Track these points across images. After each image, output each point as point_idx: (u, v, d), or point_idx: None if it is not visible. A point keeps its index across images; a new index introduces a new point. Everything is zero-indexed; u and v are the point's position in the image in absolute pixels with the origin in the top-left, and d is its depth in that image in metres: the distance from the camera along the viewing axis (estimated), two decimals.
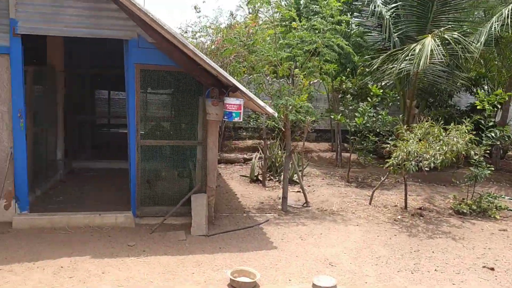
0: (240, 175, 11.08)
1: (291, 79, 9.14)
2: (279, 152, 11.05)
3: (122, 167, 10.59)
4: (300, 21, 8.38)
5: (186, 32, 14.22)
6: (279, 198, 8.81)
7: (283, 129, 8.82)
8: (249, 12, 23.64)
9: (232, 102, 6.25)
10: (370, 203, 8.71)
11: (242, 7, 24.69)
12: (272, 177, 10.68)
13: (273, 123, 9.26)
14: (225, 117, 6.39)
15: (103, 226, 6.58)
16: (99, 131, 13.86)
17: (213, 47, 12.95)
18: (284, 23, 10.13)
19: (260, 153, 11.28)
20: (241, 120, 6.46)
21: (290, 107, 7.58)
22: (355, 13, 12.81)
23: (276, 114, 6.63)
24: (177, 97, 7.06)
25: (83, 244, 5.88)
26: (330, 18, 7.96)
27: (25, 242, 5.83)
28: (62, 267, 5.13)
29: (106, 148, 12.71)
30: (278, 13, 9.84)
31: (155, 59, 6.66)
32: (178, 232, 6.50)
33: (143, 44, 6.60)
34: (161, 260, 5.49)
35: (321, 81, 10.57)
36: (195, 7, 14.05)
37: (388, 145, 8.26)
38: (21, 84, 6.45)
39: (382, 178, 9.36)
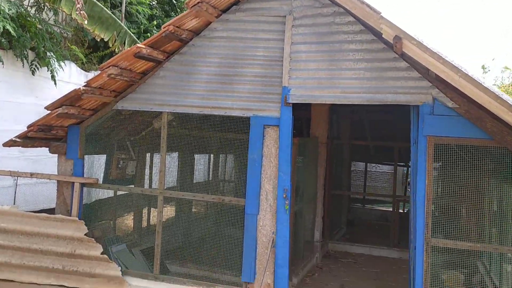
0: None
1: None
2: None
3: (383, 255, 8.99)
4: None
5: None
6: None
7: None
8: None
9: None
10: None
11: (509, 68, 21.38)
12: None
13: None
14: None
15: None
16: (353, 208, 12.54)
17: None
18: None
19: None
20: None
21: None
22: None
23: None
24: (485, 183, 5.03)
25: None
26: None
27: None
28: None
29: (363, 228, 11.23)
30: None
31: (456, 129, 4.86)
32: None
33: (440, 110, 4.92)
34: None
35: None
36: (482, 67, 11.67)
37: None
38: (289, 160, 5.57)
39: None
